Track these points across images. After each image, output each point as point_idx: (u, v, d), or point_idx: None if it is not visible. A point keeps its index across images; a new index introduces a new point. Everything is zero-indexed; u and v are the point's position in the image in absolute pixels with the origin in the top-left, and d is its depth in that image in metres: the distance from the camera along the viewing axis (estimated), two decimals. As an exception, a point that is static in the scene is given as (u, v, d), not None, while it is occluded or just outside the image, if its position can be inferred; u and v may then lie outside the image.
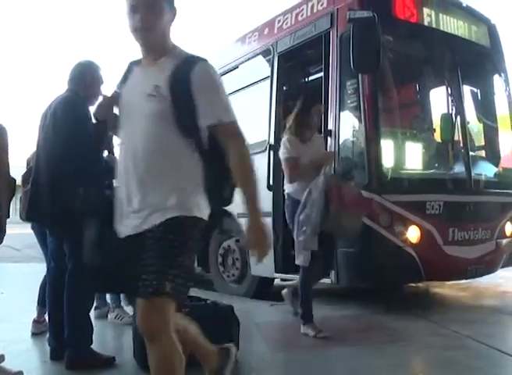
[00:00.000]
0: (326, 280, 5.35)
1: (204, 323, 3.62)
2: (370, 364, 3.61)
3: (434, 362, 3.77)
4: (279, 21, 6.31)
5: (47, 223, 3.89)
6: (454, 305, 5.88)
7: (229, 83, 7.15)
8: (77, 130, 3.59)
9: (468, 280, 6.37)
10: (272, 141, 5.97)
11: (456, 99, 5.80)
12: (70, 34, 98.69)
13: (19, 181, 4.43)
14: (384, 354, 3.82)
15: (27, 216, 4.02)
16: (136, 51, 2.46)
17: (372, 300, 5.76)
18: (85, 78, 3.89)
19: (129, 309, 5.01)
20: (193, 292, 5.35)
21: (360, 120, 5.12)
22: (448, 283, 6.75)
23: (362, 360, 3.71)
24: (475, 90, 6.42)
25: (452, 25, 5.90)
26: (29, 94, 75.72)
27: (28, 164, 4.73)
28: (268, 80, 6.25)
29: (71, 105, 3.71)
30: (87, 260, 2.70)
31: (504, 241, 5.90)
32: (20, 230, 14.40)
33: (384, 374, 3.41)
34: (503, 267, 6.07)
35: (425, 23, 5.64)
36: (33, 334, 4.59)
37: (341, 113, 5.26)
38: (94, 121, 2.82)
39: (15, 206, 4.90)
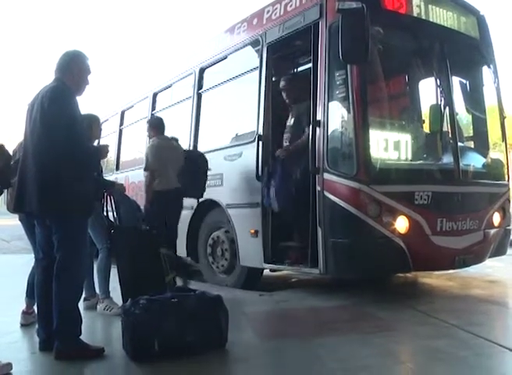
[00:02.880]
0: (314, 271, 5.37)
1: (192, 313, 3.67)
2: (358, 353, 3.63)
3: (421, 351, 3.79)
4: (268, 11, 6.29)
5: (35, 214, 3.88)
6: (442, 294, 5.92)
7: (217, 73, 7.19)
8: (65, 119, 3.59)
9: (456, 270, 6.42)
10: (260, 132, 5.97)
11: (445, 90, 5.81)
12: (58, 24, 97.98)
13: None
14: (372, 343, 3.85)
15: (15, 207, 4.00)
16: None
17: (360, 290, 5.79)
18: (72, 68, 3.87)
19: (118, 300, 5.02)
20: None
21: (348, 111, 5.11)
22: (436, 273, 6.80)
23: (350, 349, 3.73)
24: (464, 81, 6.43)
25: (441, 16, 5.90)
26: (15, 85, 75.18)
27: (14, 155, 4.68)
28: (257, 71, 6.24)
29: (58, 94, 3.69)
30: None
31: (492, 231, 5.94)
32: (10, 222, 14.36)
33: (372, 363, 3.43)
34: (490, 257, 6.12)
35: (414, 14, 5.63)
36: (22, 326, 4.59)
37: (330, 104, 5.26)
38: None
39: (3, 198, 4.87)
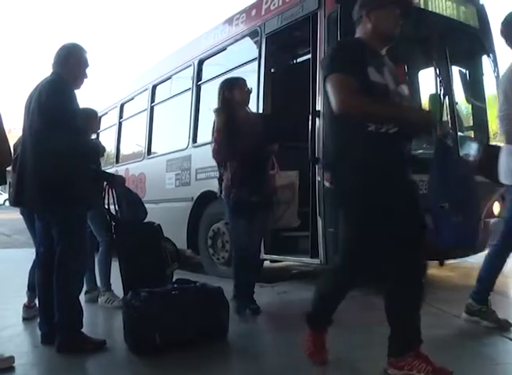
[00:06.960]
0: (315, 261, 5.37)
1: (193, 305, 3.68)
2: (358, 344, 3.64)
3: (423, 340, 3.79)
4: (266, 2, 6.26)
5: (34, 208, 3.88)
6: (444, 285, 5.92)
7: (216, 65, 7.17)
8: (62, 113, 3.58)
9: (457, 260, 6.42)
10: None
11: (445, 80, 5.79)
12: (59, 16, 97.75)
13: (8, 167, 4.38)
14: (373, 333, 3.84)
15: (15, 201, 4.00)
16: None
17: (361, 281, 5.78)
18: (70, 61, 3.85)
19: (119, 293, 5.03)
20: (183, 274, 5.40)
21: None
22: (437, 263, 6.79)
23: (350, 340, 3.74)
24: (464, 70, 6.41)
25: (440, 5, 5.88)
26: (15, 78, 75.11)
27: (15, 150, 4.67)
28: (256, 62, 6.23)
29: (56, 88, 3.68)
30: None
31: (492, 221, 5.93)
32: (10, 216, 14.36)
33: (371, 353, 3.42)
34: (491, 246, 6.11)
35: (414, 4, 5.61)
36: (24, 319, 4.60)
37: (329, 94, 5.25)
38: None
39: (5, 192, 4.88)
